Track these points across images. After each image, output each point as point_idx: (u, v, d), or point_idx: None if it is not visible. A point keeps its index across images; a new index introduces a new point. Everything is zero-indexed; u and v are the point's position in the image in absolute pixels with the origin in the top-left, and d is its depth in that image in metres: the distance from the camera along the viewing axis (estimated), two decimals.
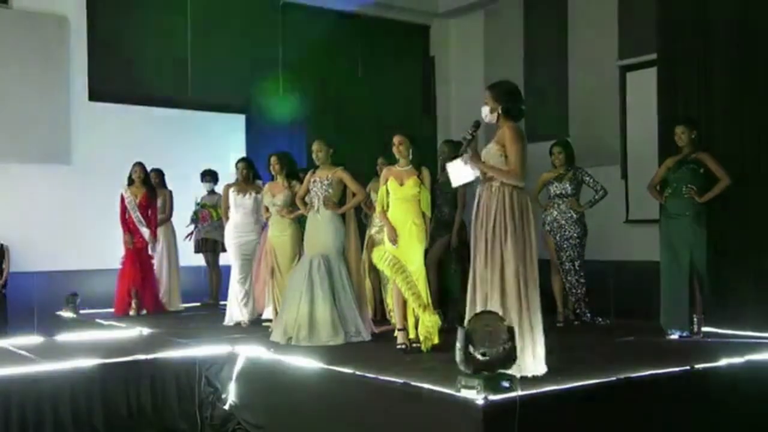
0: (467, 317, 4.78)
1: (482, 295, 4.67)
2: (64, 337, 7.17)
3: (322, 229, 6.46)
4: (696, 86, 6.97)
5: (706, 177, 6.38)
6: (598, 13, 10.01)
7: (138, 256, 8.45)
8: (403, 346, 5.82)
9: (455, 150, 7.20)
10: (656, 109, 7.37)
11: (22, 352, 5.96)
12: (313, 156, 6.54)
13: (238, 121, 11.02)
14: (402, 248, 5.80)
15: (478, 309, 4.69)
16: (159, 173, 9.21)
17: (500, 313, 4.53)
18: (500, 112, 4.82)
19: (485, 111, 4.86)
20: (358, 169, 7.04)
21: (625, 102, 9.54)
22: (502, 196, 4.71)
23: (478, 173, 4.80)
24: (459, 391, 4.05)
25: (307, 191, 6.62)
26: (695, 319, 6.34)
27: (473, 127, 4.83)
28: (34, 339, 6.84)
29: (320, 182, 6.48)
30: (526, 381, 4.41)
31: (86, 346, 6.26)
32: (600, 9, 9.96)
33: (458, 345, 4.09)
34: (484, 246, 4.68)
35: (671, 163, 6.53)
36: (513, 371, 4.39)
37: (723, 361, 5.12)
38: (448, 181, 5.72)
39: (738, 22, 6.72)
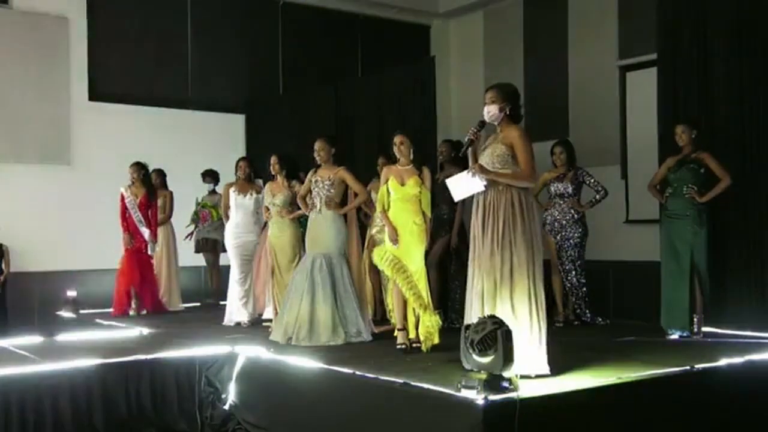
0: (466, 317, 4.79)
1: (489, 293, 4.66)
2: (64, 337, 7.16)
3: (324, 229, 6.43)
4: (696, 86, 6.95)
5: (707, 177, 6.37)
6: (598, 12, 10.02)
7: (137, 257, 8.44)
8: (403, 346, 5.81)
9: (455, 149, 7.24)
10: (656, 109, 7.36)
11: (22, 352, 5.94)
12: (315, 155, 6.51)
13: (238, 121, 11.04)
14: (403, 248, 5.79)
15: (476, 306, 4.70)
16: (160, 173, 9.21)
17: (511, 313, 4.55)
18: (507, 112, 4.83)
19: (493, 109, 4.83)
20: (358, 170, 7.03)
21: (625, 102, 9.55)
22: (509, 196, 4.72)
23: (485, 183, 4.76)
24: (459, 391, 4.04)
25: (309, 191, 6.60)
26: (695, 319, 6.33)
27: (477, 127, 4.82)
28: (34, 339, 6.82)
29: (322, 182, 6.45)
30: (529, 380, 4.41)
31: (86, 346, 6.25)
32: (600, 9, 9.98)
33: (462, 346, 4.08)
34: (491, 245, 4.68)
35: (672, 162, 6.52)
36: (521, 370, 4.39)
37: (723, 361, 5.11)
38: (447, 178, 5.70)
39: (738, 22, 6.70)
